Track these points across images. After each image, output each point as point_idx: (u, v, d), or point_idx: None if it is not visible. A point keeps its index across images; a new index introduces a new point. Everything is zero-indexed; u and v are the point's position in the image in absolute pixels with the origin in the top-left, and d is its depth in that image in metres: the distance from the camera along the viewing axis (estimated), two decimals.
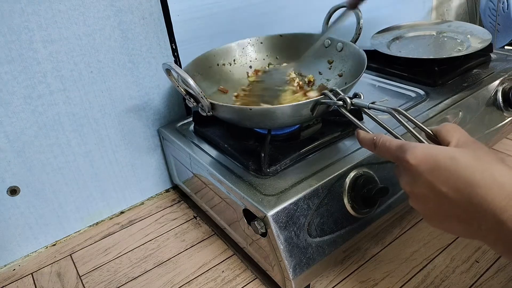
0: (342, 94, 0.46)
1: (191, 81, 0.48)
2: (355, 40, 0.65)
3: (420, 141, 0.38)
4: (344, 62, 0.65)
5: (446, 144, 0.36)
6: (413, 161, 0.34)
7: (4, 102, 0.56)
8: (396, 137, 0.40)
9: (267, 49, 0.72)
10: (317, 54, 0.68)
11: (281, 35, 0.71)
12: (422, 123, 0.39)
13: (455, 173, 0.32)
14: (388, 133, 0.42)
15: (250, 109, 0.50)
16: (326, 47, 0.68)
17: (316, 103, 0.49)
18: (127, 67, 0.64)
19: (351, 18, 0.64)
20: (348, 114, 0.45)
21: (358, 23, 0.64)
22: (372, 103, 0.43)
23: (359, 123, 0.43)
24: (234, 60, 0.70)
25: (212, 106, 0.51)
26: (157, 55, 0.67)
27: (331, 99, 0.47)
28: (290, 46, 0.71)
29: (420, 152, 0.34)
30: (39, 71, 0.57)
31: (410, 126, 0.40)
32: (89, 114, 0.64)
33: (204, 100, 0.50)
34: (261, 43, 0.71)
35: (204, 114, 0.52)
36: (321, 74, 0.68)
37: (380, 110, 0.42)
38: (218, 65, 0.69)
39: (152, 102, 0.69)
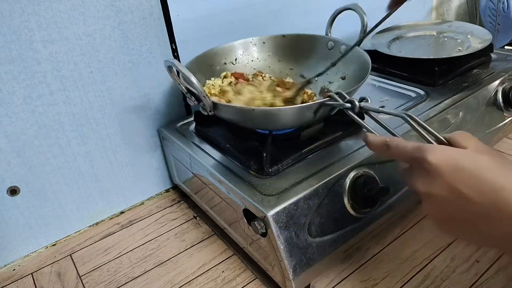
0: (348, 96, 0.46)
1: (193, 79, 0.47)
2: (359, 43, 0.64)
3: None
4: (348, 65, 0.64)
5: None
6: (434, 161, 0.33)
7: (4, 102, 0.55)
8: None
9: (269, 49, 0.71)
10: (320, 56, 0.68)
11: (284, 35, 0.71)
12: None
13: (479, 176, 0.32)
14: (389, 134, 0.42)
15: (253, 109, 0.50)
16: (329, 49, 0.68)
17: (321, 105, 0.48)
18: (127, 67, 0.64)
19: (355, 20, 0.63)
20: (355, 117, 0.44)
21: (363, 25, 0.62)
22: (381, 107, 0.43)
23: (367, 126, 0.43)
24: (235, 59, 0.70)
25: (214, 105, 0.51)
26: (157, 55, 0.66)
27: (337, 102, 0.46)
28: (293, 47, 0.70)
29: (441, 153, 0.33)
30: (39, 71, 0.57)
31: (422, 131, 0.39)
32: (89, 114, 0.64)
33: (206, 99, 0.49)
34: (264, 43, 0.71)
35: (206, 113, 0.52)
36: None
37: (391, 115, 0.42)
38: (219, 63, 0.68)
39: (152, 102, 0.69)
